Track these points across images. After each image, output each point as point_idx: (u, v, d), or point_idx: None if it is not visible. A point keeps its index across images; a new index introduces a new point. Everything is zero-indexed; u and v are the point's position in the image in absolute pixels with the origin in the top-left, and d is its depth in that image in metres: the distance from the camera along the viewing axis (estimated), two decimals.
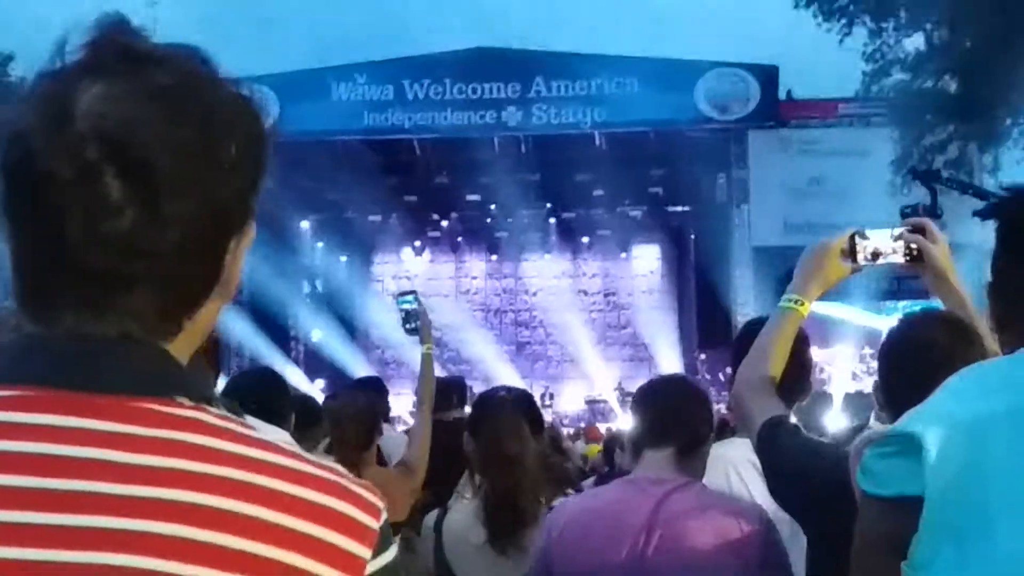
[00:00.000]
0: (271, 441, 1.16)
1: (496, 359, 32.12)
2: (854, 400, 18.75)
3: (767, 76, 28.30)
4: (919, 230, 3.07)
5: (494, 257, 35.99)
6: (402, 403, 15.08)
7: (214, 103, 1.17)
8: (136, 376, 1.13)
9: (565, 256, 35.72)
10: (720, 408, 8.71)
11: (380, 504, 1.18)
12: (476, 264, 36.58)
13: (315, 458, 1.18)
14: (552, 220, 33.35)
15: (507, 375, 29.17)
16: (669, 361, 30.40)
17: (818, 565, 2.96)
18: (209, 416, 1.14)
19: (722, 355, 25.79)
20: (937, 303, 3.19)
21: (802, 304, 3.12)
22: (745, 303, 26.46)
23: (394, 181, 30.87)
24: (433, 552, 3.94)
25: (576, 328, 33.80)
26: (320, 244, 33.52)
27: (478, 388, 5.55)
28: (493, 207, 31.75)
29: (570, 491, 4.57)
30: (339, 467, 1.18)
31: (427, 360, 5.21)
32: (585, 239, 34.72)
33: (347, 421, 4.86)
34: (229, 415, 1.17)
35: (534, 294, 36.22)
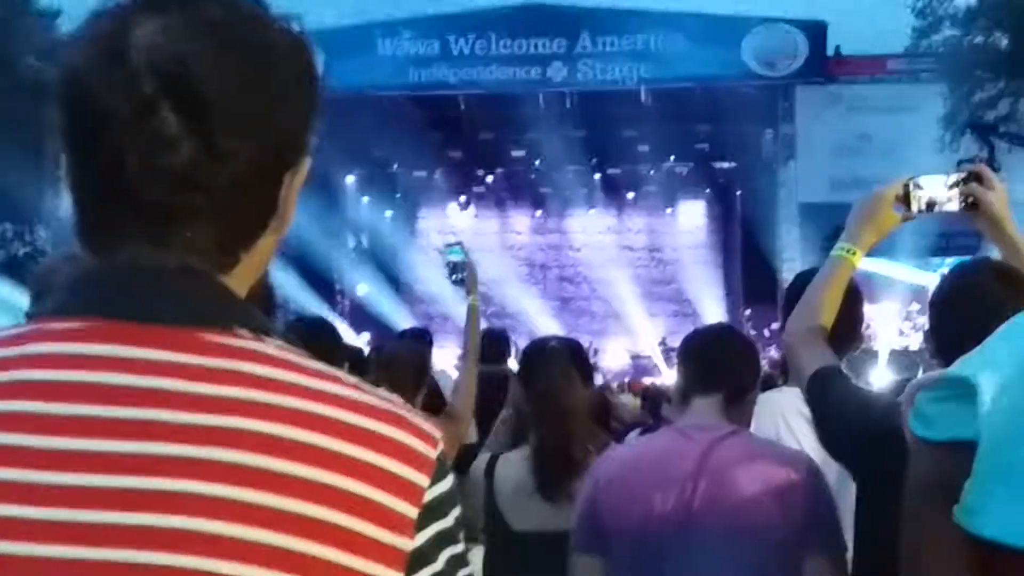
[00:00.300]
0: (329, 371, 1.17)
1: (541, 314, 32.12)
2: (899, 357, 18.68)
3: (815, 32, 28.05)
4: (975, 177, 3.03)
5: (539, 212, 35.94)
6: (447, 356, 15.12)
7: (266, 37, 1.18)
8: (196, 307, 1.14)
9: (610, 212, 35.63)
10: (764, 364, 8.69)
11: (437, 434, 1.19)
12: (521, 219, 36.53)
13: (372, 388, 1.19)
14: (597, 176, 33.24)
15: (552, 330, 29.16)
16: (714, 317, 30.23)
17: (868, 513, 2.95)
18: (268, 347, 1.16)
19: (767, 311, 25.73)
20: (987, 256, 3.16)
21: (855, 253, 3.09)
22: (791, 259, 26.30)
23: (439, 136, 30.87)
24: (484, 497, 3.94)
25: (621, 284, 33.77)
26: (365, 199, 33.56)
27: (523, 343, 5.51)
28: (538, 163, 31.69)
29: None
30: (396, 398, 1.20)
31: (473, 311, 5.21)
32: (630, 195, 34.60)
33: (398, 365, 4.88)
34: (287, 346, 1.18)
35: (579, 250, 36.18)
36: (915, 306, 24.93)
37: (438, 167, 32.83)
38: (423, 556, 1.14)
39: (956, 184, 3.01)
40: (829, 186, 26.47)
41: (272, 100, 1.16)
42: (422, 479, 1.15)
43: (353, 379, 1.19)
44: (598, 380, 20.44)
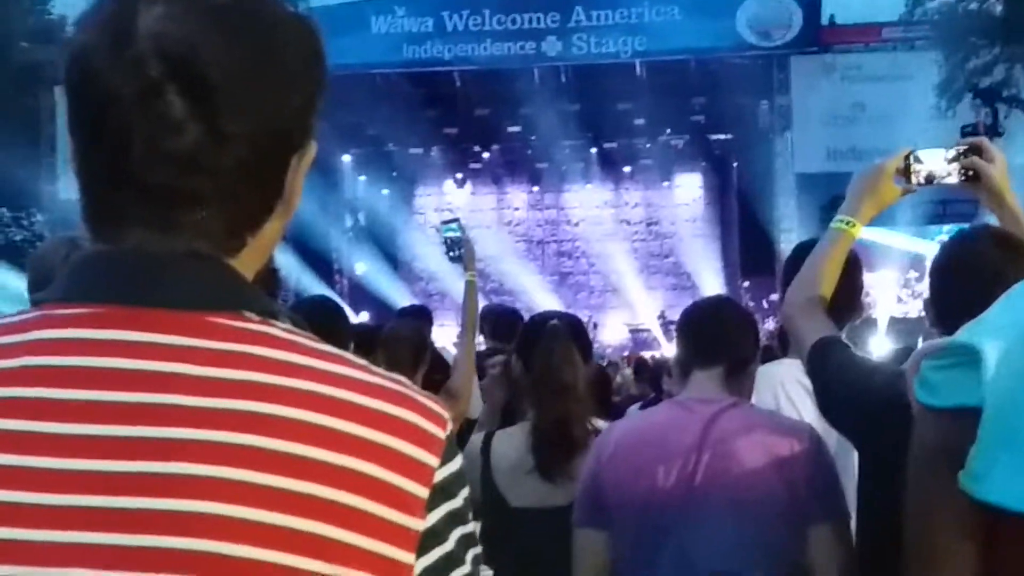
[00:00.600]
0: (338, 353, 1.17)
1: (539, 289, 32.14)
2: (899, 325, 18.75)
3: (809, 1, 27.95)
4: (975, 149, 3.04)
5: (536, 188, 35.92)
6: (447, 334, 15.14)
7: (272, 21, 1.18)
8: (204, 291, 1.15)
9: (607, 186, 35.61)
10: (763, 336, 8.69)
11: (445, 414, 1.19)
12: (518, 195, 36.53)
13: (381, 370, 1.19)
14: (593, 150, 33.19)
15: (550, 305, 29.18)
16: (712, 289, 30.25)
17: (870, 481, 2.96)
18: (276, 330, 1.16)
19: (766, 282, 25.78)
20: (986, 223, 3.16)
21: (854, 225, 3.10)
22: (788, 230, 26.29)
23: (434, 113, 30.80)
24: (480, 474, 3.94)
25: (618, 258, 33.81)
26: (362, 178, 33.55)
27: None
28: (534, 138, 31.62)
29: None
30: (404, 379, 1.20)
31: (470, 287, 5.22)
32: (627, 168, 34.55)
33: (398, 343, 4.89)
34: (295, 329, 1.19)
35: (576, 224, 36.19)
36: (913, 274, 25.00)
37: (434, 144, 32.76)
38: (434, 536, 1.15)
39: (956, 157, 3.02)
40: (825, 156, 26.47)
41: (278, 84, 1.17)
42: (432, 459, 1.15)
43: (361, 360, 1.19)
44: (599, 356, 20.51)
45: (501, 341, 6.06)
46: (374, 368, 1.18)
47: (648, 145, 32.62)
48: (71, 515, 1.05)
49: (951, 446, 1.79)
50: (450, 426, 1.19)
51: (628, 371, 13.63)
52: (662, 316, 28.83)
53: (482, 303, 5.99)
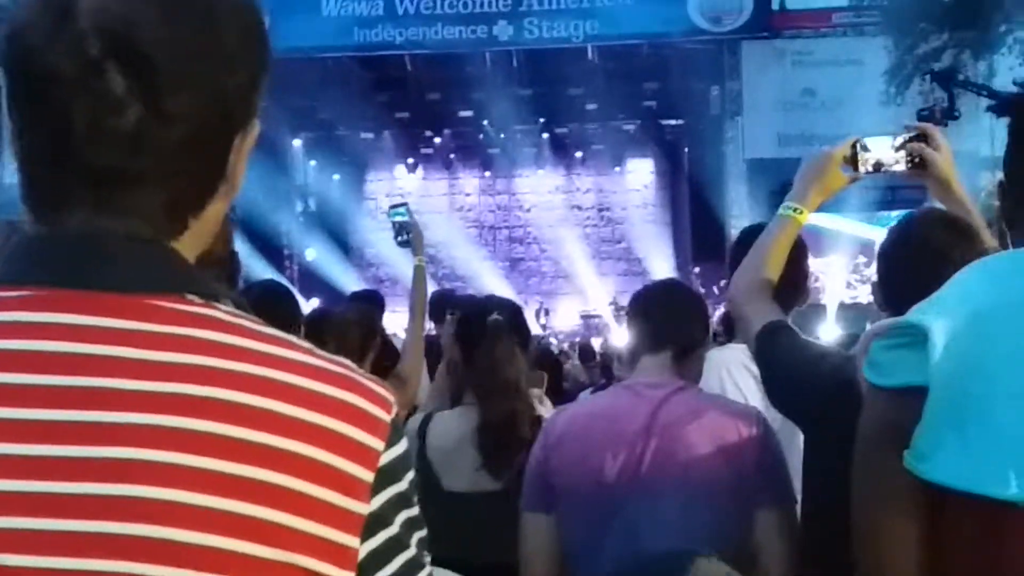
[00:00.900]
0: (282, 336, 1.17)
1: (490, 275, 32.18)
2: (848, 311, 18.87)
3: None
4: (921, 137, 3.06)
5: (487, 173, 35.98)
6: (398, 320, 15.06)
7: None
8: (145, 273, 1.13)
9: (558, 171, 35.72)
10: (713, 321, 8.73)
11: (390, 397, 1.19)
12: (469, 180, 36.56)
13: (325, 353, 1.19)
14: (545, 135, 33.27)
15: (502, 291, 29.25)
16: (663, 274, 30.19)
17: (817, 467, 2.98)
18: (220, 312, 1.15)
19: (716, 268, 25.85)
20: (934, 206, 3.18)
21: (801, 212, 3.12)
22: (739, 216, 26.40)
23: (386, 98, 30.76)
24: (416, 455, 3.92)
25: (570, 243, 33.88)
26: (312, 162, 33.44)
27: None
28: (486, 123, 31.66)
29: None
30: (349, 361, 1.19)
31: (419, 272, 5.20)
32: (578, 154, 34.68)
33: (347, 328, 4.87)
34: (238, 312, 1.18)
35: (528, 210, 36.25)
36: (862, 259, 25.14)
37: (385, 129, 32.72)
38: (379, 520, 1.14)
39: (903, 145, 3.04)
40: (776, 141, 26.60)
41: (219, 61, 1.15)
42: (377, 443, 1.15)
43: (305, 343, 1.18)
44: (550, 342, 20.51)
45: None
46: (318, 351, 1.18)
47: (600, 130, 32.72)
48: (5, 500, 1.04)
49: (897, 425, 1.80)
50: (395, 409, 1.18)
51: (576, 360, 13.64)
52: (613, 302, 28.90)
53: (433, 288, 5.97)
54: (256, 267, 26.21)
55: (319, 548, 1.09)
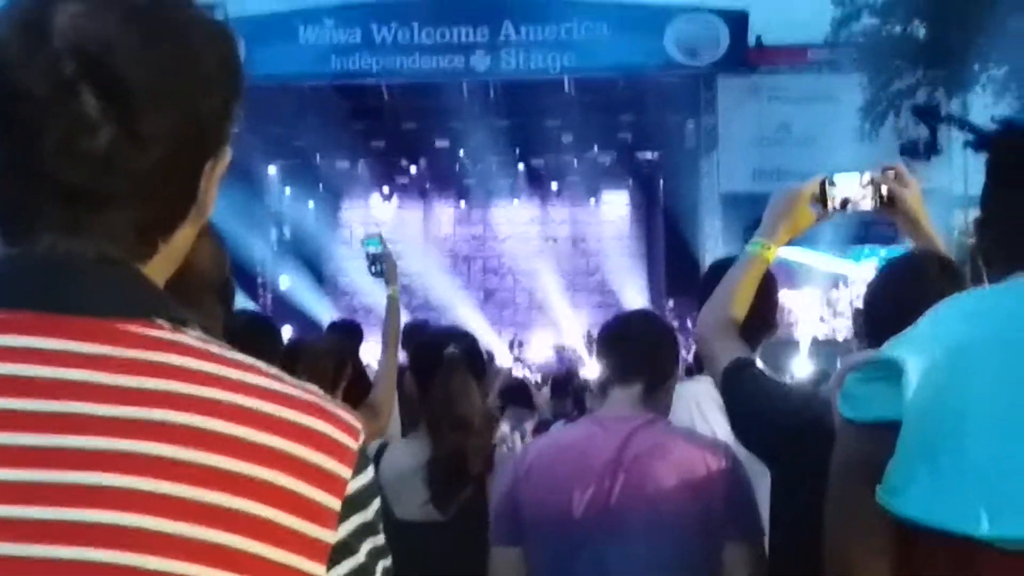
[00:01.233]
0: (250, 362, 1.16)
1: (464, 306, 32.14)
2: (821, 347, 18.94)
3: (737, 21, 28.23)
4: (890, 174, 3.06)
5: (463, 203, 35.99)
6: (371, 350, 15.00)
7: (189, 24, 1.18)
8: (115, 297, 1.13)
9: (534, 202, 35.74)
10: (687, 356, 8.73)
11: (358, 425, 1.19)
12: (445, 210, 36.55)
13: (294, 380, 1.19)
14: (521, 166, 33.31)
15: (475, 322, 29.22)
16: (637, 307, 30.48)
17: (784, 502, 2.98)
18: (188, 338, 1.15)
19: (690, 301, 25.84)
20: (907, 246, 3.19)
21: (769, 248, 3.12)
22: (714, 249, 26.47)
23: (362, 126, 30.80)
24: None
25: (545, 275, 33.89)
26: (288, 190, 33.38)
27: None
28: (462, 153, 31.70)
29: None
30: (317, 389, 1.19)
31: (392, 302, 5.21)
32: (554, 185, 34.72)
33: (318, 358, 4.85)
34: (207, 337, 1.17)
35: (503, 241, 36.26)
36: (836, 293, 25.25)
37: (361, 157, 32.74)
38: (345, 548, 1.14)
39: (871, 182, 3.04)
40: (751, 176, 26.72)
41: (193, 86, 1.16)
42: (344, 471, 1.15)
43: (274, 369, 1.18)
44: (522, 372, 20.47)
45: None
46: (287, 378, 1.18)
47: (575, 162, 32.79)
48: None
49: (871, 460, 1.80)
50: (363, 437, 1.19)
51: (546, 390, 13.58)
52: (587, 334, 28.89)
53: (407, 319, 5.96)
54: None
55: None
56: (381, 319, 5.30)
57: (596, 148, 32.02)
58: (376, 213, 35.18)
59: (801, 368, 13.02)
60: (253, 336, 3.93)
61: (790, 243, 3.18)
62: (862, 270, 24.67)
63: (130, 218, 1.14)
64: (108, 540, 1.02)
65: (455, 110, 28.69)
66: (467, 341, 4.29)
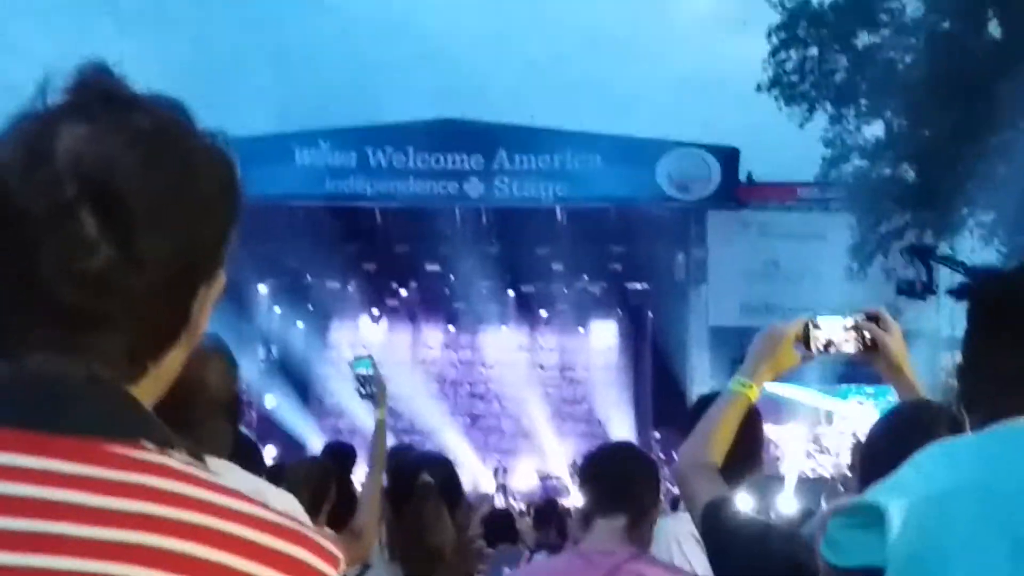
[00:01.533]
0: (232, 488, 1.16)
1: (450, 430, 32.02)
2: (805, 485, 18.84)
3: (728, 157, 28.61)
4: (873, 319, 3.08)
5: (451, 328, 35.99)
6: (356, 472, 14.92)
7: (191, 150, 1.19)
8: (102, 418, 1.13)
9: (523, 329, 35.76)
10: (674, 488, 8.70)
11: (338, 553, 1.18)
12: (433, 334, 36.53)
13: (276, 506, 1.18)
14: (511, 293, 33.42)
15: (460, 447, 29.10)
16: (623, 438, 30.28)
17: None
18: (173, 461, 1.14)
19: (677, 434, 25.70)
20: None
21: (751, 388, 3.11)
22: (701, 382, 26.47)
23: (354, 248, 30.92)
24: None
25: (531, 402, 33.79)
26: (277, 309, 33.39)
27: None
28: (452, 278, 31.80)
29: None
30: (299, 516, 1.19)
31: (380, 427, 5.18)
32: (543, 313, 34.80)
33: (298, 481, 4.83)
34: (192, 460, 1.17)
35: (491, 366, 36.17)
36: (823, 429, 25.22)
37: (352, 279, 32.82)
38: None
39: (855, 326, 3.06)
40: (739, 310, 26.85)
41: (193, 211, 1.17)
42: None
43: (254, 495, 1.17)
44: (504, 502, 20.34)
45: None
46: (267, 503, 1.17)
47: (565, 290, 32.88)
48: None
49: None
50: (342, 566, 1.18)
51: (528, 520, 13.48)
52: (573, 463, 28.73)
53: (392, 442, 5.94)
54: None
55: None
56: (365, 440, 5.28)
57: (586, 277, 32.16)
58: (365, 334, 35.14)
59: (786, 505, 12.93)
60: (238, 458, 3.92)
61: (777, 378, 3.18)
62: (849, 407, 24.69)
63: (122, 339, 1.14)
64: None
65: (447, 235, 28.88)
66: (444, 469, 4.28)
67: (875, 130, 24.69)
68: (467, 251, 28.95)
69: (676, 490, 6.83)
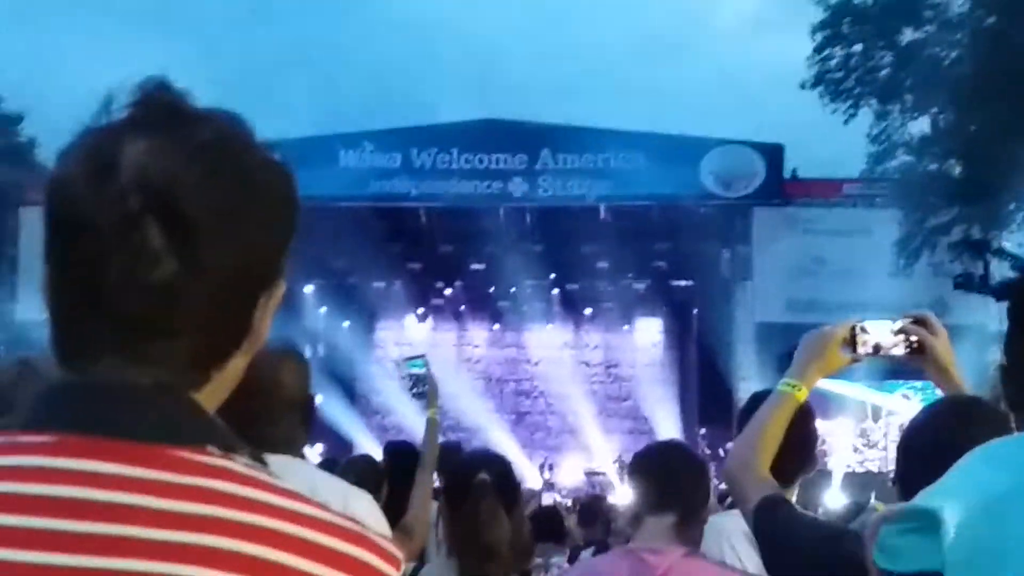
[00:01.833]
0: (295, 490, 1.18)
1: (496, 428, 31.97)
2: (854, 479, 18.73)
3: (772, 154, 28.38)
4: (920, 322, 3.09)
5: (496, 326, 35.92)
6: None
7: (251, 163, 1.21)
8: (168, 424, 1.16)
9: (567, 327, 35.66)
10: (720, 485, 8.67)
11: (399, 554, 1.20)
12: (478, 333, 36.49)
13: (336, 508, 1.21)
14: (555, 291, 33.34)
15: (507, 444, 29.04)
16: (669, 434, 29.86)
17: None
18: (237, 465, 1.17)
19: (723, 430, 25.69)
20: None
21: (800, 389, 3.11)
22: (747, 379, 26.28)
23: (399, 248, 30.87)
24: None
25: (577, 399, 33.68)
26: (323, 309, 33.43)
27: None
28: (497, 276, 31.73)
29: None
30: (373, 516, 1.22)
31: (432, 424, 5.20)
32: (588, 310, 34.66)
33: (351, 477, 4.86)
34: (255, 463, 1.20)
35: (536, 364, 36.08)
36: (870, 423, 25.05)
37: (397, 279, 32.82)
38: None
39: (902, 329, 3.07)
40: (785, 307, 26.62)
41: (254, 223, 1.19)
42: None
43: (316, 497, 1.20)
44: (551, 499, 20.32)
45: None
46: (328, 505, 1.19)
47: (609, 288, 32.74)
48: None
49: None
50: (403, 566, 1.20)
51: (574, 518, 13.46)
52: (619, 460, 28.62)
53: (439, 440, 5.94)
54: None
55: None
56: (410, 437, 5.28)
57: (631, 275, 32.00)
58: (410, 334, 35.15)
59: (833, 500, 12.88)
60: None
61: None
62: (896, 401, 24.50)
63: (186, 347, 1.17)
64: None
65: (491, 234, 28.75)
66: (500, 467, 4.28)
67: (921, 126, 24.55)
68: (511, 250, 28.84)
69: (724, 486, 6.83)
